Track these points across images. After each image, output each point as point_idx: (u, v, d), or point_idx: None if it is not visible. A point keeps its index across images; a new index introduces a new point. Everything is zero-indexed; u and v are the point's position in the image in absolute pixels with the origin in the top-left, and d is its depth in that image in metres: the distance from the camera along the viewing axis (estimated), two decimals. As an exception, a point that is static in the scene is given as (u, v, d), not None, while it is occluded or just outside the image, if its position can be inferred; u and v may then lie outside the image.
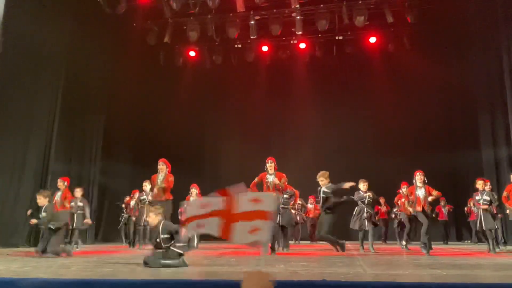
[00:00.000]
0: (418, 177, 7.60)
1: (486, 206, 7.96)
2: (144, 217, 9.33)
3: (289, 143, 15.36)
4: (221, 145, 16.03)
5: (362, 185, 8.37)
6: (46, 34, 10.34)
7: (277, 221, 7.87)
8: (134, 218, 10.51)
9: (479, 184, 8.16)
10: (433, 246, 7.79)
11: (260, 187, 7.90)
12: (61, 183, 8.55)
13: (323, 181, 7.56)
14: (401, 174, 9.97)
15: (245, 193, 2.07)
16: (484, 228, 7.98)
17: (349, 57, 14.51)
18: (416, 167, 7.83)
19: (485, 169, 11.99)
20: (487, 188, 8.67)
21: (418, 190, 7.54)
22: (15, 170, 9.69)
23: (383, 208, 12.32)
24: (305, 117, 15.14)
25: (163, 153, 12.49)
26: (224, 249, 9.34)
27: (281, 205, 8.07)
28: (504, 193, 8.29)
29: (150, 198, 9.24)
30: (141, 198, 10.14)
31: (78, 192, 9.66)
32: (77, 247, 9.14)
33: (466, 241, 13.04)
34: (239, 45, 14.68)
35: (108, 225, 12.70)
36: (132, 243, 10.48)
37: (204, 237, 10.86)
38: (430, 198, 7.44)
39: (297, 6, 12.04)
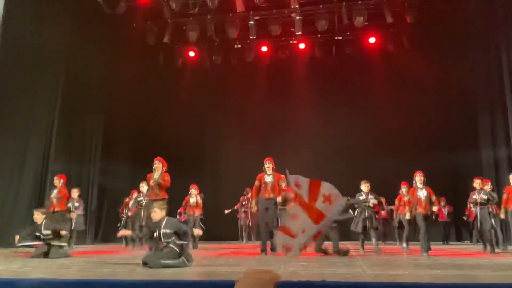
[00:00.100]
0: (418, 178, 7.52)
1: (484, 199, 7.88)
2: (141, 218, 9.24)
3: (288, 143, 15.36)
4: (221, 145, 16.03)
5: (364, 186, 8.29)
6: (46, 34, 10.34)
7: (275, 222, 7.78)
8: (129, 214, 10.44)
9: (476, 183, 8.09)
10: (432, 247, 7.79)
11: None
12: (57, 181, 8.51)
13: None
14: (401, 174, 9.96)
15: (329, 187, 1.99)
16: (483, 229, 7.95)
17: (348, 57, 14.51)
18: (416, 167, 7.80)
19: (485, 169, 11.99)
20: (488, 188, 8.65)
21: (419, 191, 7.48)
22: (15, 170, 9.69)
23: (384, 209, 12.32)
24: (304, 117, 15.14)
25: (163, 153, 12.46)
26: (223, 249, 9.34)
27: (279, 206, 8.00)
28: (504, 196, 8.27)
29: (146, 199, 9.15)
30: (138, 199, 10.10)
31: (75, 192, 9.62)
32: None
33: (465, 241, 13.05)
34: (239, 46, 14.68)
35: (108, 226, 12.70)
36: (129, 243, 10.45)
37: (203, 237, 10.87)
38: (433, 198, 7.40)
39: (297, 6, 12.03)
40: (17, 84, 9.68)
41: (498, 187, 10.25)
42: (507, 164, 11.00)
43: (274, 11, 12.76)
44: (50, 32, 10.46)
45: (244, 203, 12.89)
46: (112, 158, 13.04)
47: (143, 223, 8.48)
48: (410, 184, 8.10)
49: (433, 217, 8.00)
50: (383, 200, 12.08)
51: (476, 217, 8.06)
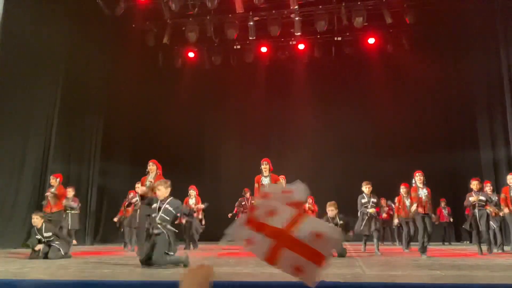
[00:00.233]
0: (418, 178, 7.48)
1: (476, 198, 7.85)
2: (136, 219, 9.13)
3: (288, 143, 15.38)
4: (221, 146, 16.03)
5: (365, 188, 8.26)
6: (46, 35, 10.35)
7: None
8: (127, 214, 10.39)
9: (474, 184, 8.06)
10: (432, 247, 7.79)
11: None
12: (54, 180, 8.42)
13: (333, 211, 7.58)
14: (400, 175, 9.95)
15: (314, 220, 1.56)
16: (480, 229, 7.94)
17: (348, 58, 14.52)
18: (415, 168, 7.79)
19: (484, 170, 12.00)
20: (488, 189, 8.63)
21: (420, 191, 7.46)
22: (14, 170, 9.69)
23: (384, 209, 12.34)
24: (304, 118, 15.15)
25: (162, 154, 12.52)
26: (223, 250, 9.34)
27: None
28: (502, 195, 8.26)
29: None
30: (133, 200, 10.03)
31: (70, 191, 9.59)
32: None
33: (465, 242, 13.05)
34: (238, 46, 14.69)
35: (107, 226, 12.69)
36: (128, 244, 10.43)
37: (203, 238, 10.87)
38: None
39: (296, 7, 12.04)
40: (16, 84, 9.68)
41: (498, 187, 10.26)
42: (506, 165, 11.00)
43: (274, 11, 12.77)
44: (50, 32, 10.47)
45: (243, 203, 12.87)
46: (111, 158, 13.04)
47: (137, 224, 8.31)
48: (410, 185, 8.08)
49: (433, 216, 7.95)
50: (383, 201, 12.12)
51: (475, 218, 8.03)
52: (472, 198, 7.99)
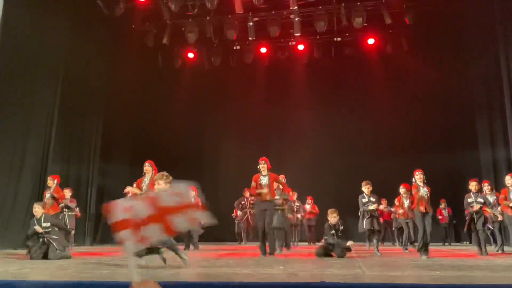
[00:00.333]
0: (418, 177, 7.43)
1: (477, 207, 7.83)
2: None
3: (287, 144, 15.39)
4: (220, 146, 16.05)
5: (365, 188, 8.25)
6: (45, 36, 10.35)
7: (271, 223, 7.64)
8: None
9: (472, 185, 8.02)
10: (432, 248, 7.78)
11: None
12: (51, 181, 8.36)
13: (335, 218, 7.57)
14: (400, 175, 9.94)
15: (165, 192, 2.04)
16: (477, 228, 7.91)
17: (347, 58, 14.54)
18: (415, 168, 7.75)
19: (484, 170, 12.00)
20: (487, 189, 8.60)
21: (421, 190, 7.45)
22: (14, 171, 9.68)
23: (385, 210, 12.33)
24: (303, 118, 15.17)
25: (162, 154, 12.54)
26: (222, 251, 9.34)
27: (274, 207, 7.85)
28: (501, 196, 8.24)
29: None
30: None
31: (67, 192, 9.57)
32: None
33: (464, 242, 13.05)
34: (238, 47, 14.69)
35: (107, 227, 12.65)
36: None
37: (202, 239, 10.87)
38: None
39: (296, 7, 12.05)
40: (16, 85, 9.68)
41: (497, 188, 10.26)
42: (505, 165, 11.00)
43: (273, 12, 12.78)
44: (50, 33, 10.47)
45: (243, 202, 12.87)
46: (111, 159, 13.03)
47: None
48: (410, 185, 8.06)
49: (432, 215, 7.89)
50: (384, 202, 12.11)
51: (472, 220, 8.00)
52: (472, 210, 7.91)
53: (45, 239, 6.69)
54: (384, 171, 13.01)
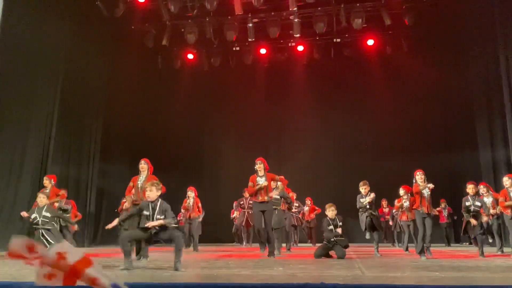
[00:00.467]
0: (419, 177, 7.41)
1: (478, 206, 7.81)
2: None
3: (287, 144, 15.40)
4: (220, 147, 16.05)
5: (362, 188, 8.23)
6: (45, 36, 10.35)
7: (270, 226, 7.60)
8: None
9: (470, 188, 7.94)
10: (432, 249, 7.77)
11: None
12: (47, 181, 8.25)
13: (333, 211, 7.62)
14: (399, 176, 9.96)
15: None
16: (475, 232, 7.90)
17: (347, 59, 14.54)
18: (415, 169, 7.75)
19: (483, 171, 12.00)
20: (484, 191, 8.57)
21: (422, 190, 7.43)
22: (13, 172, 9.67)
23: (385, 210, 12.34)
24: (303, 119, 15.18)
25: (161, 155, 12.54)
26: (222, 252, 9.33)
27: (273, 206, 7.78)
28: (500, 198, 8.22)
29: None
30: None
31: (63, 194, 9.54)
32: None
33: (464, 243, 13.06)
34: (237, 48, 14.69)
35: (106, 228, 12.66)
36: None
37: (202, 240, 10.86)
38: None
39: (295, 8, 12.05)
40: (15, 85, 9.67)
41: (497, 189, 10.26)
42: (505, 165, 11.00)
43: (273, 13, 12.78)
44: (49, 33, 10.47)
45: (242, 202, 12.86)
46: (110, 160, 13.04)
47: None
48: (410, 186, 8.04)
49: (434, 210, 7.86)
50: (384, 202, 12.11)
51: (468, 222, 7.98)
52: (468, 203, 7.90)
53: (41, 232, 6.63)
54: (384, 171, 13.02)
